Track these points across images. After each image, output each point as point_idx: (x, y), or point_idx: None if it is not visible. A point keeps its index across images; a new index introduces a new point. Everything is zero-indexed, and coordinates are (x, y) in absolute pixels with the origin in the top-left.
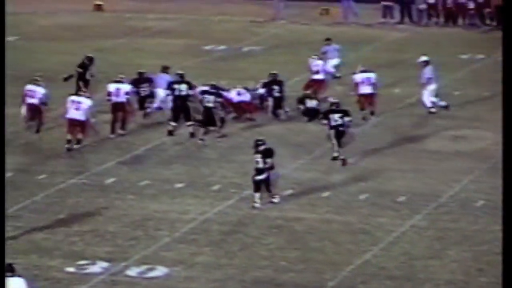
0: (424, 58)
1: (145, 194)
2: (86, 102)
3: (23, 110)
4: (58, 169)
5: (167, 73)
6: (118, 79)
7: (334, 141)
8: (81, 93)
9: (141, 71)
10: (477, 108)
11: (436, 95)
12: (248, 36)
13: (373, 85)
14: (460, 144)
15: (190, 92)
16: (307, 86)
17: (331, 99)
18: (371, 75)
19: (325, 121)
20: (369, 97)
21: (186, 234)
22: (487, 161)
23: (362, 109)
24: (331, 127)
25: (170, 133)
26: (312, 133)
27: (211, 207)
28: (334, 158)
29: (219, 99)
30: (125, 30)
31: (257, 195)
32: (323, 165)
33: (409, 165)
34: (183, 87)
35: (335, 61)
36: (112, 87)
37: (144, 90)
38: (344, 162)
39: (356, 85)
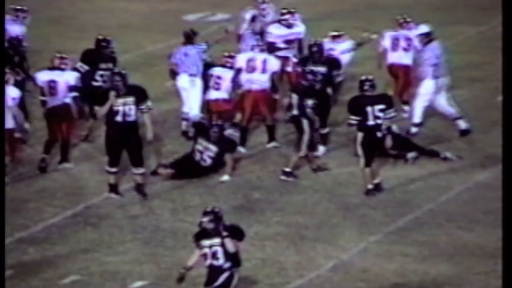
0: (424, 28)
1: None
2: (11, 94)
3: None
4: None
5: (193, 43)
6: (53, 65)
7: (363, 156)
8: (7, 76)
9: (101, 37)
10: None
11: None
12: None
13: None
14: None
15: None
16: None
17: (364, 77)
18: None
19: (355, 119)
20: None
21: None
22: None
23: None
24: (366, 129)
25: (113, 188)
26: (390, 182)
27: None
28: (369, 192)
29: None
30: None
31: None
32: (414, 244)
33: None
34: (130, 100)
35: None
36: (42, 78)
37: (102, 76)
38: (376, 189)
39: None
